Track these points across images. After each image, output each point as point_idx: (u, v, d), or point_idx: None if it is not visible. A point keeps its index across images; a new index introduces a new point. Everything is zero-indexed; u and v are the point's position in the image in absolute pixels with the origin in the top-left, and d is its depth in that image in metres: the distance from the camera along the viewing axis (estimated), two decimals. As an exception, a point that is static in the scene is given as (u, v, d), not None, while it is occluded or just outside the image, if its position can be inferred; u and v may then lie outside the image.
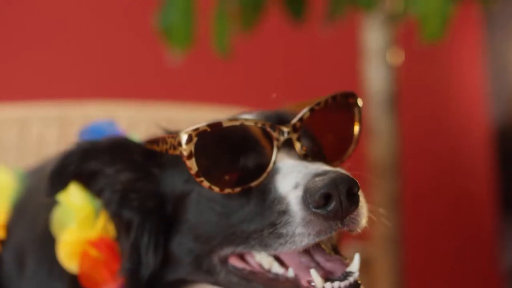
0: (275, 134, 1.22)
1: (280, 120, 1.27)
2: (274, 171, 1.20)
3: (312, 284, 1.17)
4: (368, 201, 1.21)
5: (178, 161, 1.25)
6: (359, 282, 1.17)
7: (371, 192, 2.73)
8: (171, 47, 2.36)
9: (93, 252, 1.32)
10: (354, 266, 1.18)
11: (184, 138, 1.19)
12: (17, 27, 3.07)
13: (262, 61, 3.25)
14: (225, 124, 1.20)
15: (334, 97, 1.29)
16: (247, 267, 1.25)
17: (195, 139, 1.19)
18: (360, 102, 1.31)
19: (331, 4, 2.53)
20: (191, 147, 1.18)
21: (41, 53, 3.08)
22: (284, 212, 1.16)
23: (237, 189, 1.20)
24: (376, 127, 2.68)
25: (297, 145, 1.23)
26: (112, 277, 1.31)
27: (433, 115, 3.62)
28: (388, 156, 2.69)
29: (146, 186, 1.30)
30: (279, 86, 3.15)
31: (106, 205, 1.30)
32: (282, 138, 1.22)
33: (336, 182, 1.12)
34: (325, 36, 2.67)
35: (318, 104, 1.26)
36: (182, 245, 1.27)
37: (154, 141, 1.31)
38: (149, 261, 1.27)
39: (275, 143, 1.22)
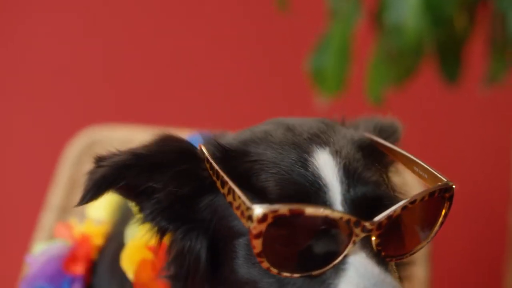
0: (356, 231, 1.09)
1: (369, 204, 1.12)
2: (341, 264, 1.09)
3: None
4: None
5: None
6: None
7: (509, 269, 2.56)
8: (321, 91, 2.37)
9: (149, 256, 1.25)
10: None
11: (257, 215, 1.06)
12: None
13: (410, 115, 3.20)
14: (308, 213, 1.08)
15: (432, 193, 1.13)
16: None
17: (270, 220, 1.06)
18: (452, 196, 1.15)
19: (491, 68, 2.45)
20: (263, 227, 1.06)
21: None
22: None
23: (296, 275, 1.10)
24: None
25: (374, 242, 1.10)
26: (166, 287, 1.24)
27: None
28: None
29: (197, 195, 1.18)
30: (425, 144, 3.08)
31: (148, 214, 1.18)
32: (362, 235, 1.09)
33: None
34: (481, 98, 2.59)
35: (413, 202, 1.12)
36: None
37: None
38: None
39: (353, 238, 1.09)
